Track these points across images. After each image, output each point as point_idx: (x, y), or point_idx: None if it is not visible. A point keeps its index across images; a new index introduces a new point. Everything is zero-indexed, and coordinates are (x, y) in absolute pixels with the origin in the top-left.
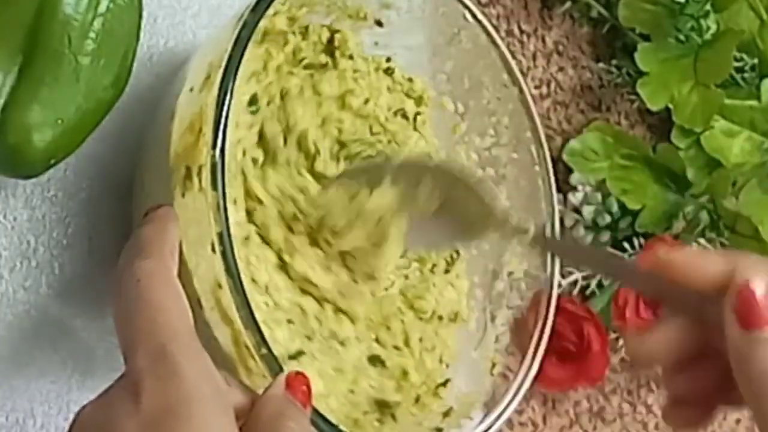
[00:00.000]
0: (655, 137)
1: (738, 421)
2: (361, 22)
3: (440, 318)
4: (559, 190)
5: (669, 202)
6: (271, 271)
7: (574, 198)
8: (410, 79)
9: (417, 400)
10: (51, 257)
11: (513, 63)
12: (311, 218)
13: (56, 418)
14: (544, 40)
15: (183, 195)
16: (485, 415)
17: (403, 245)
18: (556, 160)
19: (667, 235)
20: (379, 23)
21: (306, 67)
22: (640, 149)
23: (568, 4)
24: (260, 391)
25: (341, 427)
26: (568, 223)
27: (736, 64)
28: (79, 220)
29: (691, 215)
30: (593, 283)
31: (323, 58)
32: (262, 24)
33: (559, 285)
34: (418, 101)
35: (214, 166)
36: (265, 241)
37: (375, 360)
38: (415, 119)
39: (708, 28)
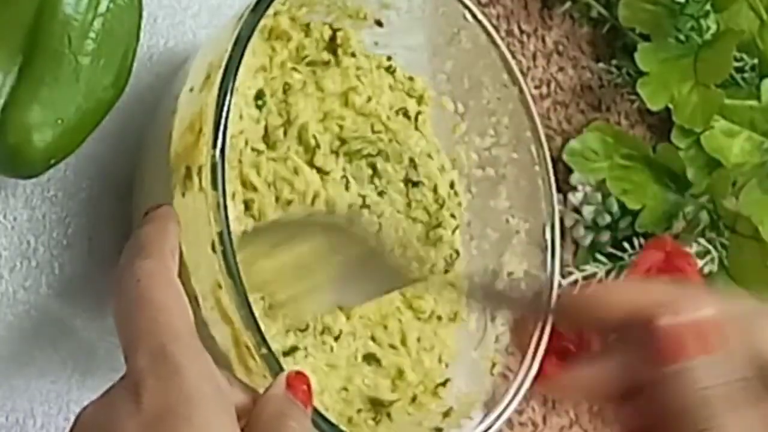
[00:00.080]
0: (655, 137)
1: None
2: (361, 21)
3: (439, 318)
4: (559, 190)
5: (669, 202)
6: None
7: (574, 198)
8: (411, 78)
9: (414, 399)
10: (51, 257)
11: (513, 63)
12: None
13: (56, 418)
14: (544, 40)
15: (183, 195)
16: (485, 415)
17: (332, 294)
18: (556, 160)
19: (667, 235)
20: (379, 23)
21: (309, 64)
22: (640, 149)
23: (568, 4)
24: (260, 391)
25: (341, 426)
26: (568, 223)
27: (736, 64)
28: (79, 220)
29: (691, 215)
30: (593, 283)
31: (326, 56)
32: (267, 22)
33: (559, 285)
34: (419, 100)
35: (214, 166)
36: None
37: (370, 358)
38: (416, 118)
39: (708, 28)
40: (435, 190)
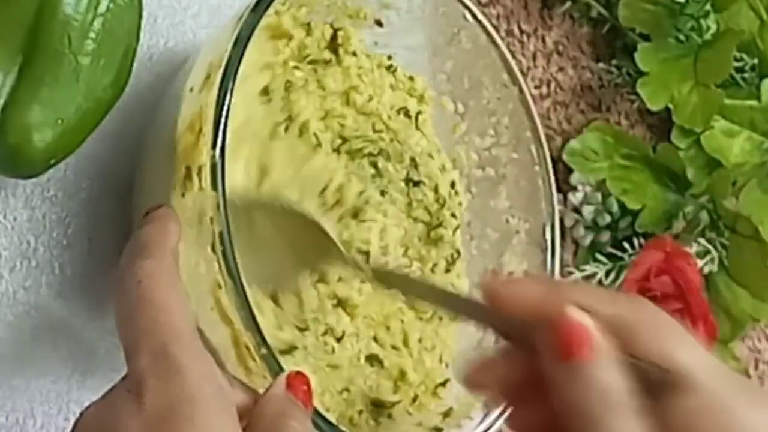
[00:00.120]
0: (655, 137)
1: None
2: (361, 21)
3: (440, 318)
4: (559, 190)
5: (669, 202)
6: None
7: (574, 198)
8: (411, 78)
9: (415, 399)
10: (51, 257)
11: (513, 63)
12: None
13: (56, 418)
14: (544, 40)
15: (183, 195)
16: (485, 415)
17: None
18: (556, 160)
19: (667, 235)
20: (379, 23)
21: (310, 63)
22: (640, 149)
23: (568, 4)
24: (260, 392)
25: (341, 427)
26: (568, 223)
27: (736, 64)
28: (79, 220)
29: (691, 215)
30: (593, 283)
31: (327, 55)
32: (271, 21)
33: None
34: (420, 100)
35: (214, 166)
36: None
37: (372, 359)
38: (416, 118)
39: (708, 28)
40: (436, 189)
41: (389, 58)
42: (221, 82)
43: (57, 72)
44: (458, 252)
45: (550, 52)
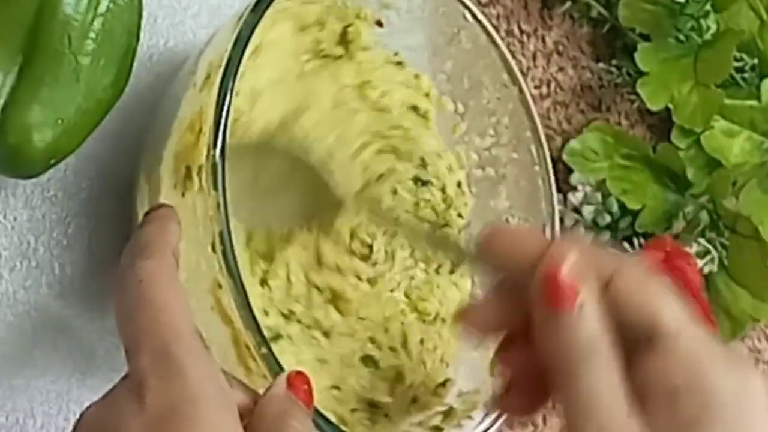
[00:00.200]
0: (655, 137)
1: None
2: (361, 22)
3: (443, 320)
4: (559, 190)
5: (669, 202)
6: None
7: (574, 198)
8: (417, 76)
9: (415, 400)
10: (51, 257)
11: (513, 63)
12: None
13: (56, 418)
14: (544, 40)
15: (183, 195)
16: (485, 415)
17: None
18: (556, 160)
19: (667, 235)
20: (379, 23)
21: (324, 57)
22: (640, 149)
23: (568, 4)
24: (261, 392)
25: (342, 427)
26: (568, 223)
27: (736, 64)
28: (79, 220)
29: (691, 215)
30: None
31: (339, 50)
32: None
33: None
34: (426, 98)
35: (214, 166)
36: None
37: (368, 360)
38: (425, 116)
39: (708, 28)
40: (443, 189)
41: (396, 54)
42: (221, 82)
43: (57, 72)
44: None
45: (550, 52)
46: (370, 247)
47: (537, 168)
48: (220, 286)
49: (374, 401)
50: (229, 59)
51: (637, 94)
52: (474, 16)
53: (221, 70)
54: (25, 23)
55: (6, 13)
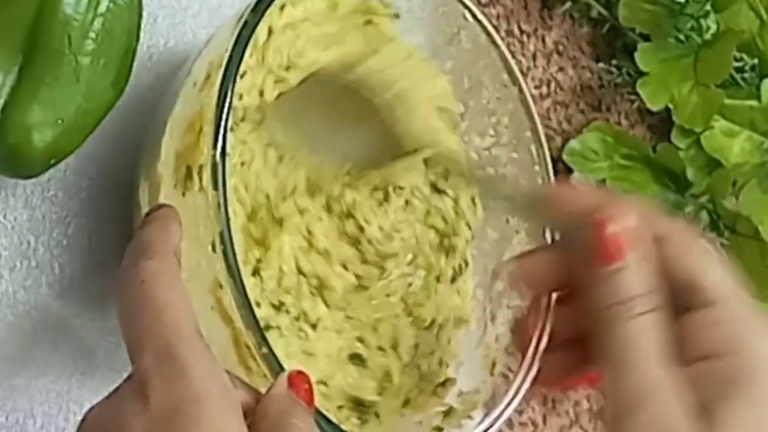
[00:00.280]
0: (655, 137)
1: None
2: None
3: (441, 326)
4: None
5: (669, 202)
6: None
7: None
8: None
9: (407, 403)
10: (51, 257)
11: (513, 63)
12: None
13: (56, 418)
14: (544, 40)
15: (183, 195)
16: (485, 415)
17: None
18: (556, 160)
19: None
20: (396, 15)
21: None
22: (640, 149)
23: (568, 4)
24: (262, 391)
25: (342, 427)
26: None
27: (736, 64)
28: (79, 220)
29: (691, 215)
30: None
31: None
32: None
33: None
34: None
35: (214, 165)
36: None
37: (355, 358)
38: (452, 119)
39: (708, 28)
40: (456, 201)
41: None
42: (221, 82)
43: (57, 72)
44: (466, 263)
45: (550, 52)
46: (362, 230)
47: (537, 168)
48: (220, 286)
49: (361, 399)
50: (229, 59)
51: (637, 94)
52: (474, 16)
53: (221, 70)
54: (25, 23)
55: (6, 13)
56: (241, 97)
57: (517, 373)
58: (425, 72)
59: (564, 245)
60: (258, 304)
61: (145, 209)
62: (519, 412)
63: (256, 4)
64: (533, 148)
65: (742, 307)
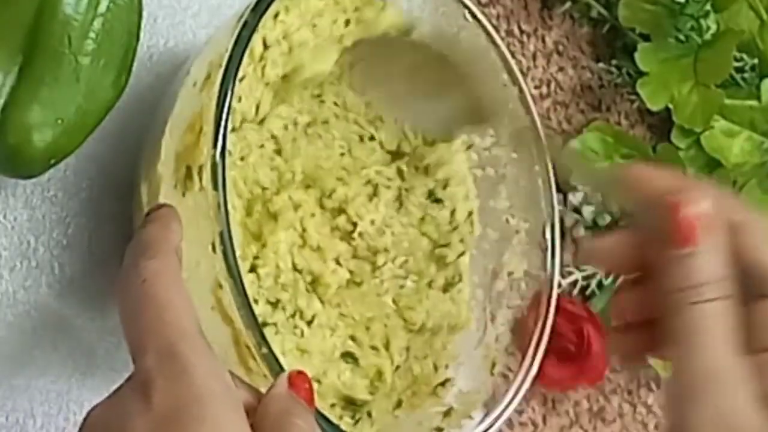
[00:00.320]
0: (655, 137)
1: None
2: None
3: (433, 331)
4: (559, 190)
5: None
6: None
7: (574, 198)
8: None
9: (399, 404)
10: (51, 257)
11: (513, 63)
12: None
13: (56, 418)
14: (544, 40)
15: (183, 195)
16: (485, 415)
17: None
18: None
19: None
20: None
21: None
22: (640, 149)
23: (568, 4)
24: (263, 391)
25: (342, 426)
26: (568, 223)
27: (736, 64)
28: (79, 220)
29: None
30: (593, 283)
31: None
32: None
33: (559, 285)
34: None
35: (214, 166)
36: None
37: (347, 356)
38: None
39: (708, 28)
40: (452, 213)
41: None
42: (221, 82)
43: (57, 72)
44: (460, 277)
45: (550, 52)
46: (354, 225)
47: (537, 168)
48: (220, 286)
49: (354, 398)
50: (229, 59)
51: (637, 94)
52: (474, 16)
53: (221, 70)
54: (25, 23)
55: (6, 13)
56: (240, 99)
57: (517, 373)
58: None
59: (639, 227)
60: (255, 301)
61: (145, 209)
62: (519, 412)
63: (256, 4)
64: (533, 148)
65: None
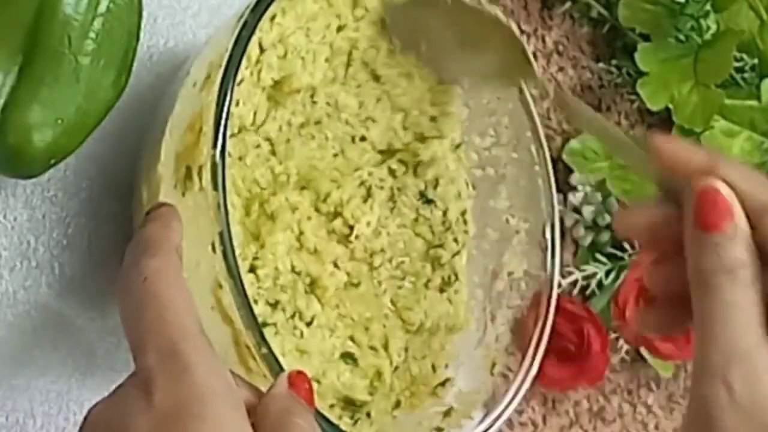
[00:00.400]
0: None
1: None
2: None
3: (431, 331)
4: (559, 190)
5: None
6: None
7: (574, 198)
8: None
9: (398, 404)
10: (51, 257)
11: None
12: None
13: (56, 418)
14: (544, 40)
15: (183, 195)
16: (485, 415)
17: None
18: (556, 160)
19: None
20: None
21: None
22: None
23: (568, 4)
24: (263, 391)
25: (342, 426)
26: (568, 223)
27: (736, 64)
28: (79, 220)
29: None
30: (593, 283)
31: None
32: None
33: (559, 285)
34: None
35: (214, 166)
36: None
37: (347, 357)
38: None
39: (708, 28)
40: (445, 213)
41: None
42: (221, 82)
43: (57, 72)
44: (456, 276)
45: (550, 52)
46: (351, 228)
47: (537, 168)
48: (220, 287)
49: (353, 399)
50: (229, 59)
51: (637, 94)
52: None
53: (221, 70)
54: (25, 23)
55: (6, 13)
56: (238, 103)
57: (517, 373)
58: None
59: (667, 201)
60: (255, 302)
61: (145, 209)
62: (519, 412)
63: (256, 4)
64: (533, 148)
65: None
